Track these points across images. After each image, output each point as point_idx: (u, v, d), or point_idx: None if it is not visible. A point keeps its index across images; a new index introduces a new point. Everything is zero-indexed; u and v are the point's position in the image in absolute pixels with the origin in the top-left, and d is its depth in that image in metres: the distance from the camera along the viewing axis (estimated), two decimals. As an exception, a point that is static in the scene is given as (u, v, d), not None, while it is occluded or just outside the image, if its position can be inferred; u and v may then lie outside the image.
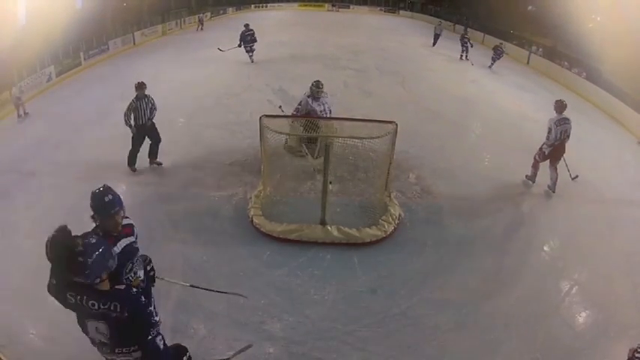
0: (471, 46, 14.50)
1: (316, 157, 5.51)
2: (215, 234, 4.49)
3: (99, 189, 2.30)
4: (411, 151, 6.51)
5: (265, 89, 9.63)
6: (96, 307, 1.93)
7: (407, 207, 5.09)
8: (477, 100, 9.86)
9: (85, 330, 2.05)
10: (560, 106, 5.59)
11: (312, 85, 5.80)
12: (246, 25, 12.25)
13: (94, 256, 1.82)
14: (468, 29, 18.26)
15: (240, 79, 10.52)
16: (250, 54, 12.32)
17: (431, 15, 26.29)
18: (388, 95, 9.79)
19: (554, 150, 5.63)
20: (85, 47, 11.92)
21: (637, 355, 2.53)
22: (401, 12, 29.76)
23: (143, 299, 2.05)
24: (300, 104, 5.92)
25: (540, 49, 14.97)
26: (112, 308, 1.92)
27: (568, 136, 5.59)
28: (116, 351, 2.05)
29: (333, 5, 31.29)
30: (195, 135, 7.06)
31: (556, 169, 5.73)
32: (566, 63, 13.03)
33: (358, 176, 5.53)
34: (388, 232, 4.51)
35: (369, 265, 4.14)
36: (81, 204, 4.89)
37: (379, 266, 4.14)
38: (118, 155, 6.22)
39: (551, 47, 14.71)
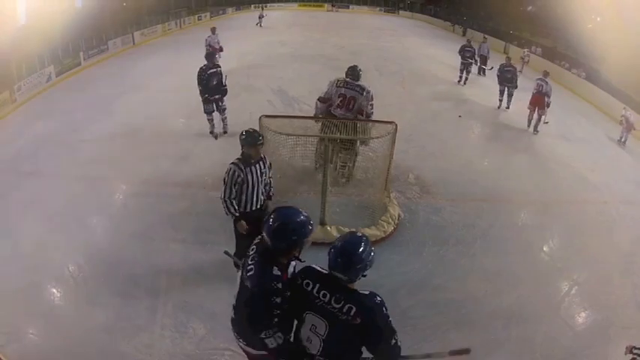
0: (476, 63, 10.98)
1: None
2: (215, 234, 4.47)
3: (286, 207, 1.98)
4: (411, 151, 6.50)
5: (265, 89, 9.63)
6: (327, 299, 1.69)
7: (406, 207, 5.08)
8: (476, 101, 9.87)
9: (298, 326, 1.80)
10: (544, 72, 8.01)
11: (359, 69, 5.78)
12: (209, 57, 6.47)
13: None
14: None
15: (239, 79, 10.50)
16: (223, 116, 6.73)
17: (430, 15, 26.24)
18: (388, 95, 9.75)
19: (533, 98, 7.86)
20: (85, 47, 11.92)
21: (635, 351, 2.54)
22: (400, 12, 29.77)
23: (385, 310, 1.75)
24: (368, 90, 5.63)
25: (540, 50, 14.97)
26: (344, 310, 1.67)
27: (544, 93, 7.66)
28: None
29: (332, 5, 31.28)
30: (195, 135, 7.06)
31: (539, 116, 7.81)
32: (566, 64, 13.03)
33: (357, 176, 5.53)
34: (387, 233, 4.51)
35: (369, 265, 4.13)
36: (81, 204, 4.96)
37: (379, 266, 4.10)
38: (118, 155, 6.23)
39: (551, 48, 14.71)
